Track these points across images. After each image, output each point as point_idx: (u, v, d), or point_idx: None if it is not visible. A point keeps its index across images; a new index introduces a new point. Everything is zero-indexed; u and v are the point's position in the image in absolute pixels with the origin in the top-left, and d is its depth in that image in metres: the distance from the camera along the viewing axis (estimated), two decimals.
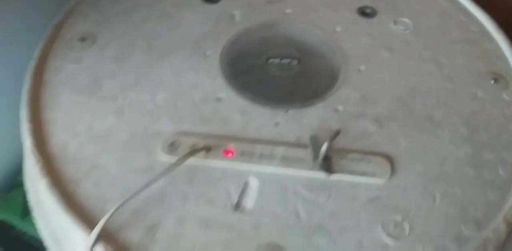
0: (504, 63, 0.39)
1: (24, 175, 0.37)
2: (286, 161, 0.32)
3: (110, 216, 0.28)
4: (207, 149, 0.32)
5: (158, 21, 0.40)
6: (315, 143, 0.31)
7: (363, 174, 0.31)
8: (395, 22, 0.41)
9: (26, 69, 0.36)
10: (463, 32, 0.41)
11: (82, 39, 0.38)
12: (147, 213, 0.29)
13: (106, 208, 0.29)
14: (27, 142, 0.32)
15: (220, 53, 0.38)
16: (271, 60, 0.39)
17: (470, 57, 0.39)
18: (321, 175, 0.31)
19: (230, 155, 0.32)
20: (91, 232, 0.28)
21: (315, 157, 0.31)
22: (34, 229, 0.47)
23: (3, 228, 0.48)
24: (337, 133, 0.31)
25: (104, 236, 0.28)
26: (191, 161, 0.31)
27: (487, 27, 0.42)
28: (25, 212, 0.47)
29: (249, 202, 0.30)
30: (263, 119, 0.34)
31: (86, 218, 0.29)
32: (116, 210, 0.28)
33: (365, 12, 0.42)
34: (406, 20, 0.42)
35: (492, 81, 0.38)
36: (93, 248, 0.28)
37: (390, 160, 0.32)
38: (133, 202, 0.29)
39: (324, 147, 0.30)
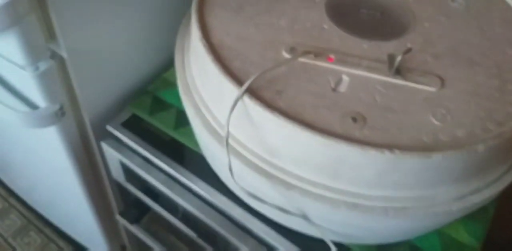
0: None
1: (176, 65, 0.49)
2: (369, 68, 0.42)
3: (253, 80, 0.39)
4: (315, 54, 0.43)
5: None
6: (391, 57, 0.42)
7: (422, 83, 0.42)
8: (453, 1, 0.52)
9: None
10: (502, 14, 0.51)
11: None
12: (276, 84, 0.40)
13: (249, 76, 0.40)
14: (197, 34, 0.44)
15: (325, 1, 0.49)
16: (361, 10, 0.50)
17: (504, 28, 0.49)
18: (393, 80, 0.42)
19: (330, 60, 0.43)
20: (240, 89, 0.39)
21: (390, 66, 0.42)
22: (158, 123, 0.59)
23: (136, 119, 0.60)
24: (408, 50, 0.41)
25: (249, 91, 0.39)
26: (305, 59, 0.42)
27: None
28: (152, 110, 0.59)
29: (342, 88, 0.41)
30: (354, 43, 0.45)
31: (237, 81, 0.40)
32: (255, 77, 0.39)
33: None
34: (460, 0, 0.52)
35: None
36: (242, 97, 0.39)
37: (440, 78, 0.43)
38: (266, 76, 0.40)
39: (398, 58, 0.41)
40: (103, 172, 0.72)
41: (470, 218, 0.50)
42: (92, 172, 0.71)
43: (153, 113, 0.59)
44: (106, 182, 0.75)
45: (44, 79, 0.50)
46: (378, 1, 0.52)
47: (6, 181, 1.14)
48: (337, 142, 0.36)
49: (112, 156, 0.62)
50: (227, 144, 0.40)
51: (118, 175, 0.67)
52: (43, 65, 0.49)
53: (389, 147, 0.36)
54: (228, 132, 0.39)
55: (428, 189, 0.39)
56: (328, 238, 0.46)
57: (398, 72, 0.42)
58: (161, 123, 0.58)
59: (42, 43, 0.47)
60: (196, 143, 0.56)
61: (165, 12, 0.57)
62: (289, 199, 0.41)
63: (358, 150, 0.36)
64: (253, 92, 0.39)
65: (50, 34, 0.47)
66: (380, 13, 0.51)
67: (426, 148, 0.37)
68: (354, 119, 0.38)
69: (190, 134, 0.56)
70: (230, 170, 0.40)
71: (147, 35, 0.58)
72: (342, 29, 0.47)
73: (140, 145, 0.57)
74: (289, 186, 0.40)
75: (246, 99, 0.39)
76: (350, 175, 0.39)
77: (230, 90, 0.40)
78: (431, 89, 0.42)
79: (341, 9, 0.50)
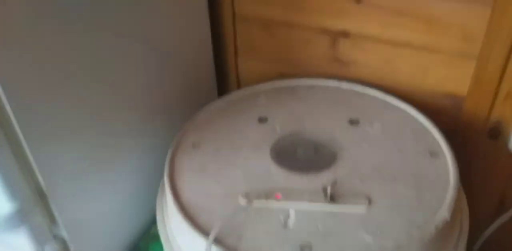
0: (436, 145, 0.64)
1: (158, 220, 0.62)
2: (310, 199, 0.56)
3: (215, 233, 0.52)
4: (266, 196, 0.57)
5: (235, 133, 0.67)
6: (324, 189, 0.56)
7: (352, 203, 0.55)
8: (371, 127, 0.68)
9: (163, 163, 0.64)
10: (412, 127, 0.67)
11: (193, 145, 0.66)
12: (236, 229, 0.54)
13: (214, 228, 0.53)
14: (169, 196, 0.58)
15: (270, 148, 0.65)
16: (298, 149, 0.65)
17: (414, 140, 0.64)
18: (329, 207, 0.55)
19: (278, 196, 0.57)
20: (207, 239, 0.52)
21: (325, 195, 0.55)
22: None
23: None
24: (334, 183, 0.55)
25: (215, 240, 0.52)
26: (257, 203, 0.56)
27: (424, 124, 0.67)
28: None
29: (290, 223, 0.54)
30: (295, 179, 0.59)
31: (205, 233, 0.53)
32: (216, 232, 0.53)
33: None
34: (377, 125, 0.68)
35: (429, 155, 0.62)
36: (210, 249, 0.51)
37: (368, 197, 0.56)
38: (228, 223, 0.54)
39: (328, 190, 0.55)
40: None
41: None
42: None
43: None
44: None
45: None
46: (311, 139, 0.67)
47: None
48: None
49: None
50: None
51: None
52: (48, 248, 0.61)
53: None
54: None
55: None
56: None
57: (333, 199, 0.56)
58: None
59: (47, 230, 0.60)
60: None
61: (145, 179, 0.72)
62: None
63: None
64: (218, 240, 0.52)
65: (51, 221, 0.60)
66: (313, 148, 0.66)
67: None
68: (303, 248, 0.51)
69: None
70: None
71: (132, 203, 0.72)
72: (285, 168, 0.61)
73: None
74: None
75: (213, 248, 0.51)
76: None
77: (201, 240, 0.52)
78: (361, 209, 0.55)
79: (282, 151, 0.66)
